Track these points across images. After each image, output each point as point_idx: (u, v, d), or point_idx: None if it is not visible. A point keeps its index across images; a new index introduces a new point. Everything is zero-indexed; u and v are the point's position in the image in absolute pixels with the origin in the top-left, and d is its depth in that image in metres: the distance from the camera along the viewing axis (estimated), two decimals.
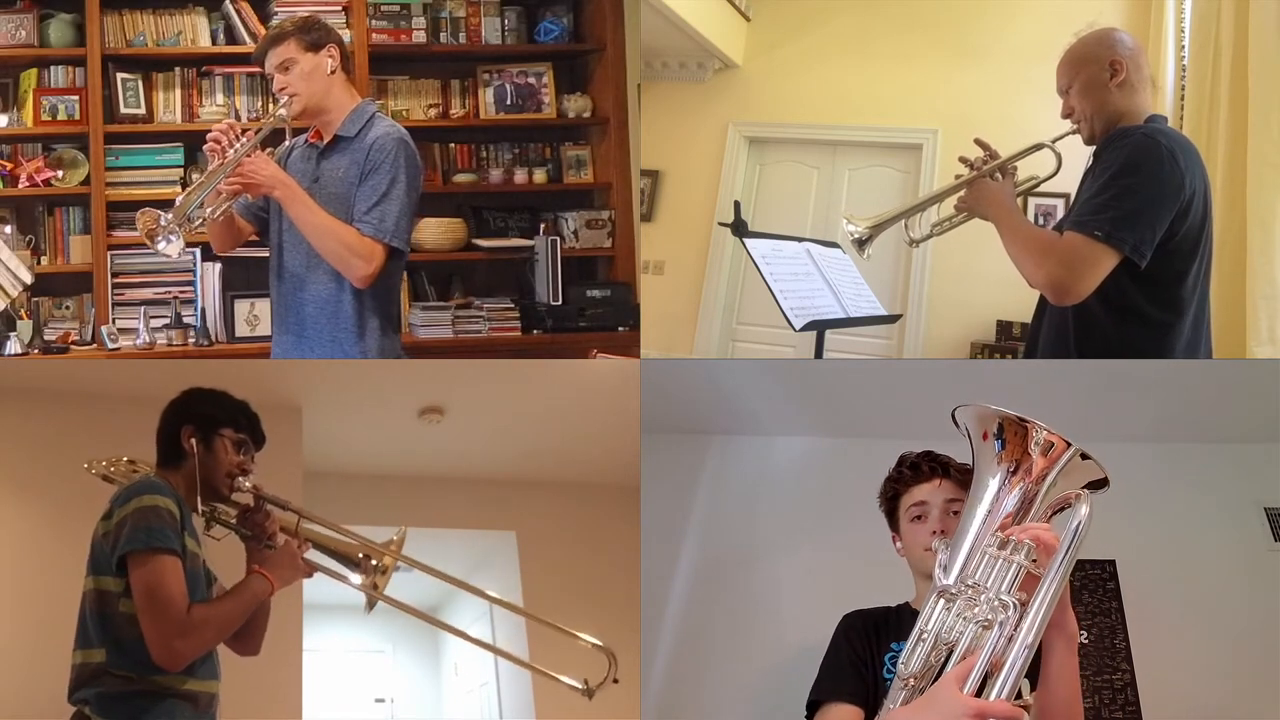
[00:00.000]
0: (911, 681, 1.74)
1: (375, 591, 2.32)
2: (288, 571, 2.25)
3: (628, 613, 3.20)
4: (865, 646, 2.14)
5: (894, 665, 2.00)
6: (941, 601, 1.76)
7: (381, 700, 5.42)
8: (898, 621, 2.16)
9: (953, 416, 1.96)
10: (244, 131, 3.10)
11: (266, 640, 2.30)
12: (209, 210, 3.11)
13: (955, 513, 2.16)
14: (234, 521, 2.28)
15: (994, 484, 1.87)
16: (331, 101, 3.18)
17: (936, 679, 1.70)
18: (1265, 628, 3.17)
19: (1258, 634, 3.16)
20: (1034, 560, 1.71)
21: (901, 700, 1.76)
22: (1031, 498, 1.83)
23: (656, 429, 3.34)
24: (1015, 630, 1.64)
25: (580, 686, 2.42)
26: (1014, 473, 1.86)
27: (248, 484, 2.28)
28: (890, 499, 2.31)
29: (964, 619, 1.71)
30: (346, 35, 4.66)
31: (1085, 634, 3.27)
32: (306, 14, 3.43)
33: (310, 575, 2.30)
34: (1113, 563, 3.34)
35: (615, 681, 2.41)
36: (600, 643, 2.44)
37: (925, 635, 1.75)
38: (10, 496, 3.39)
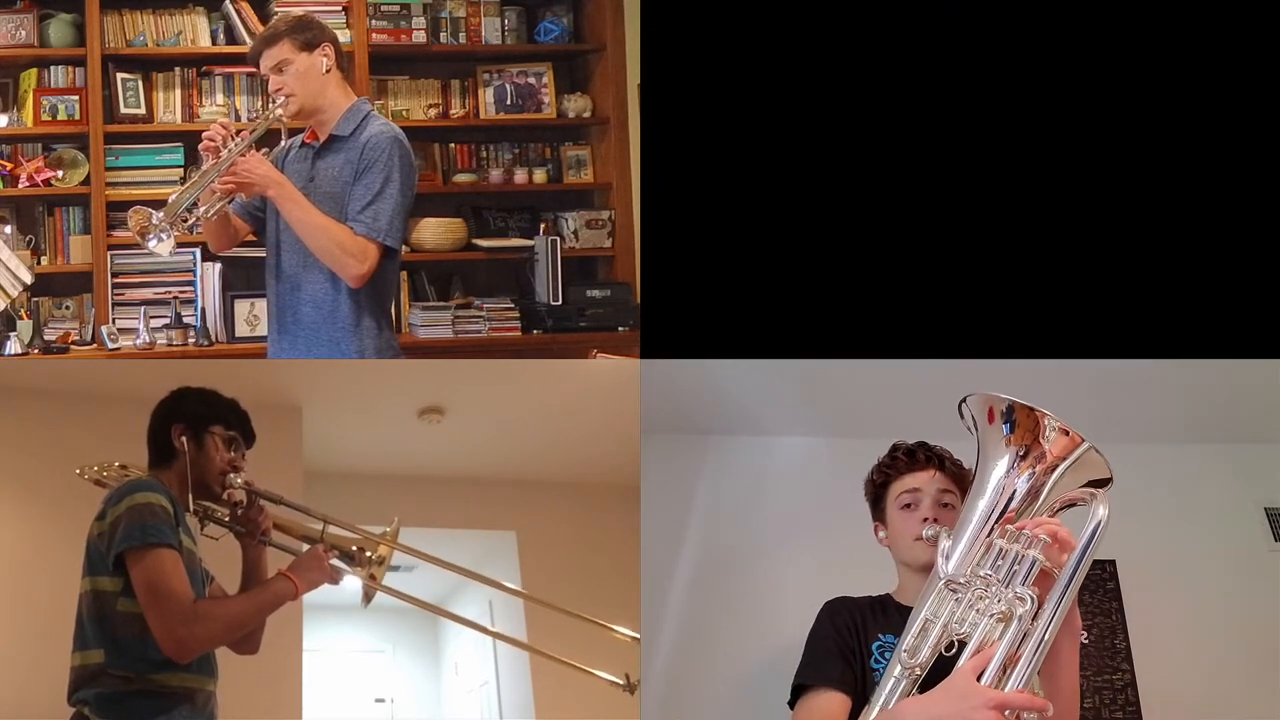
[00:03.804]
0: (917, 671, 1.70)
1: (373, 582, 2.32)
2: (315, 574, 2.22)
3: (628, 613, 3.19)
4: (852, 634, 2.04)
5: (882, 656, 1.97)
6: (949, 591, 1.74)
7: (381, 700, 5.41)
8: (883, 612, 2.08)
9: (959, 408, 1.95)
10: (239, 132, 3.10)
11: (266, 639, 2.29)
12: (203, 209, 3.10)
13: (946, 505, 2.10)
14: (227, 519, 2.27)
15: (1001, 467, 1.85)
16: (326, 101, 3.18)
17: (941, 670, 1.68)
18: (1265, 628, 3.17)
19: (1258, 634, 3.16)
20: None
21: (903, 691, 1.72)
22: (1039, 488, 1.82)
23: (656, 429, 3.34)
24: (1032, 624, 1.64)
25: (621, 682, 2.39)
26: (1024, 457, 1.84)
27: (240, 480, 2.28)
28: (879, 485, 2.22)
29: (976, 611, 1.69)
30: (346, 35, 4.66)
31: (1085, 634, 3.27)
32: (301, 13, 3.43)
33: (337, 582, 2.27)
34: (1113, 563, 3.34)
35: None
36: (636, 634, 2.41)
37: (932, 624, 1.71)
38: (10, 496, 3.39)
